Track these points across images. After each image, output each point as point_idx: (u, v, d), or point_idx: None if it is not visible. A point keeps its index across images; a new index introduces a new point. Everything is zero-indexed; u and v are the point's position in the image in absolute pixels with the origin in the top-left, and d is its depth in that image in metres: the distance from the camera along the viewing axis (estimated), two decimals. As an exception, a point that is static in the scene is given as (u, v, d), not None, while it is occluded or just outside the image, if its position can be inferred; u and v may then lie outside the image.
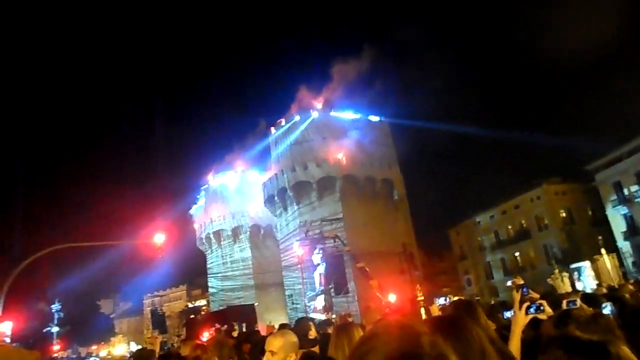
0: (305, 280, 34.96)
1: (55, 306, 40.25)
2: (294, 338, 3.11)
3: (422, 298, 17.21)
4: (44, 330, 38.48)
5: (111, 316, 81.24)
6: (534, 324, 3.06)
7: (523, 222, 52.76)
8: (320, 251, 34.78)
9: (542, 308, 2.89)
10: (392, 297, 27.38)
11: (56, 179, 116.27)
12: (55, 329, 38.55)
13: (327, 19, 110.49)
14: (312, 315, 27.47)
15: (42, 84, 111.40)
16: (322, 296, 33.65)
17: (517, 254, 53.37)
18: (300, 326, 5.83)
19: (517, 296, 2.98)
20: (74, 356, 43.06)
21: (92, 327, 57.11)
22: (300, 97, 44.16)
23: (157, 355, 7.02)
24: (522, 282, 3.36)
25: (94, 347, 57.92)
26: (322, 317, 23.60)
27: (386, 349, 0.94)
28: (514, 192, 53.35)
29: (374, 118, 43.89)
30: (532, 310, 2.89)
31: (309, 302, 34.40)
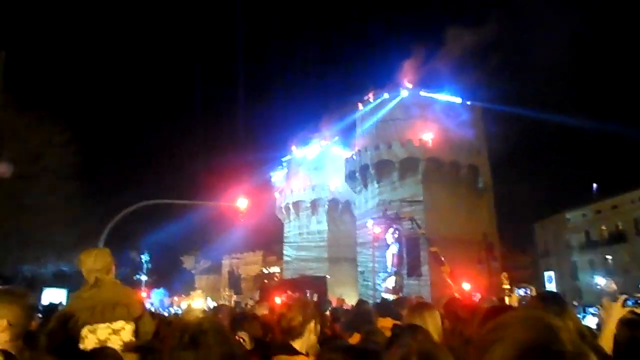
0: (378, 259, 34.98)
1: (145, 256, 43.60)
2: (311, 306, 3.14)
3: (508, 287, 16.59)
4: (134, 278, 41.81)
5: (192, 272, 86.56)
6: (630, 323, 2.84)
7: (619, 224, 48.95)
8: (396, 231, 34.58)
9: (640, 303, 2.67)
10: (466, 286, 26.73)
11: (151, 142, 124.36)
12: (144, 277, 41.85)
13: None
14: (384, 295, 27.52)
15: (142, 56, 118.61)
16: (393, 277, 33.59)
17: (608, 257, 49.78)
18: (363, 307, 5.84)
19: (607, 303, 2.73)
20: (157, 305, 46.53)
21: (174, 280, 61.21)
22: (392, 74, 43.40)
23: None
24: (615, 287, 3.08)
25: (175, 299, 62.19)
26: (391, 297, 23.59)
27: (519, 340, 0.85)
28: (613, 191, 49.47)
29: (466, 101, 42.16)
30: (629, 303, 2.67)
31: (381, 281, 34.47)
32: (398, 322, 4.25)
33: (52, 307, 7.96)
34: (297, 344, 2.88)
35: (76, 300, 3.34)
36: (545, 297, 3.43)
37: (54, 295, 20.43)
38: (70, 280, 26.50)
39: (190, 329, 1.68)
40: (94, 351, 2.85)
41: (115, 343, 3.11)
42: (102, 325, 3.14)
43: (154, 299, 41.46)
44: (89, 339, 3.10)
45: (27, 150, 20.53)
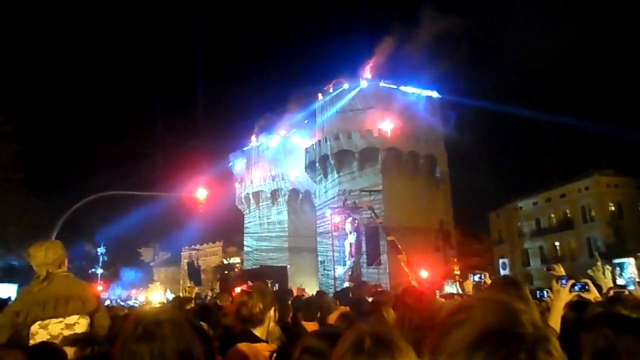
0: (338, 248, 35.30)
1: (101, 249, 42.33)
2: (270, 294, 3.15)
3: (458, 273, 17.16)
4: (90, 271, 40.60)
5: (151, 264, 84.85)
6: (576, 306, 2.99)
7: (568, 211, 51.18)
8: (354, 221, 34.93)
9: (587, 287, 2.80)
10: (423, 273, 27.40)
11: (107, 131, 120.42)
12: (99, 271, 40.63)
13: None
14: (346, 284, 27.83)
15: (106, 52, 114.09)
16: (351, 266, 34.02)
17: (557, 243, 52.07)
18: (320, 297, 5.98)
19: (556, 286, 2.88)
20: (114, 298, 45.41)
21: (132, 273, 59.83)
22: (353, 65, 43.48)
23: (193, 303, 7.32)
24: (562, 272, 3.24)
25: (133, 292, 60.88)
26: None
27: (482, 323, 0.85)
28: (562, 180, 51.63)
29: (424, 92, 42.82)
30: (576, 288, 2.80)
31: (341, 270, 34.83)
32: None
33: (1, 302, 7.63)
34: (258, 332, 2.89)
35: (26, 295, 3.22)
36: (505, 282, 3.55)
37: (3, 290, 19.59)
38: (20, 275, 25.48)
39: (145, 320, 1.63)
40: (33, 347, 2.71)
41: (69, 338, 3.02)
42: (54, 321, 3.05)
43: (110, 293, 40.48)
44: (40, 335, 3.00)
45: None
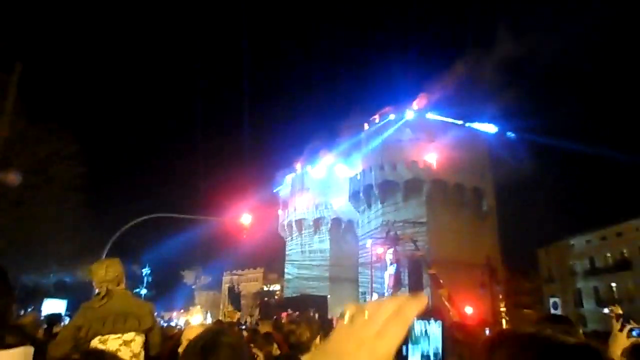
0: (380, 279, 34.77)
1: (146, 270, 43.44)
2: (317, 323, 3.19)
3: (504, 309, 16.50)
4: (134, 291, 41.60)
5: (192, 287, 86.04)
6: (636, 351, 2.83)
7: (624, 251, 48.56)
8: (395, 252, 34.40)
9: (648, 333, 2.65)
10: (468, 309, 26.44)
11: (157, 155, 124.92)
12: (144, 291, 41.64)
13: (438, 16, 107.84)
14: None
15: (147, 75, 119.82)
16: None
17: (613, 284, 49.28)
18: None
19: (617, 326, 2.75)
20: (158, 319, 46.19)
21: (174, 295, 60.85)
22: (399, 96, 43.67)
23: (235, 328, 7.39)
24: (620, 312, 3.08)
25: (174, 314, 61.76)
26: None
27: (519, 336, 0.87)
28: (618, 218, 49.20)
29: (471, 125, 42.33)
30: (634, 333, 2.66)
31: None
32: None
33: (55, 317, 7.96)
34: (305, 359, 2.92)
35: (88, 310, 3.36)
36: (555, 320, 3.41)
37: (54, 306, 20.35)
38: (70, 291, 26.43)
39: (205, 338, 1.69)
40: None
41: (126, 354, 3.13)
42: (113, 336, 3.16)
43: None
44: (99, 350, 3.12)
45: (35, 161, 20.70)
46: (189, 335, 2.61)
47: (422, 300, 0.58)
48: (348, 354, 0.54)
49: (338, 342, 0.57)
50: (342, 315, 0.57)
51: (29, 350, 1.65)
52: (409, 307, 0.57)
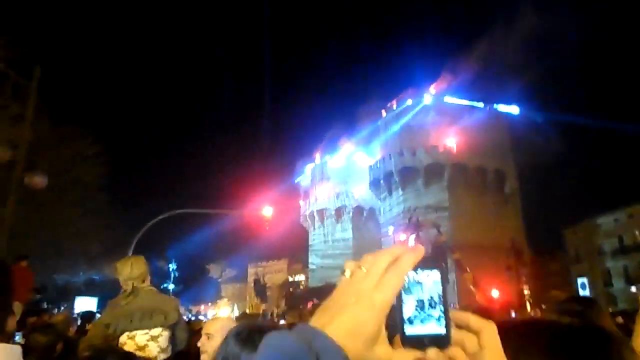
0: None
1: (172, 265, 44.15)
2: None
3: (528, 292, 16.32)
4: (162, 287, 42.32)
5: (218, 280, 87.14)
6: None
7: (654, 228, 47.49)
8: (418, 238, 34.18)
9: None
10: (495, 293, 26.22)
11: (178, 152, 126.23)
12: (171, 286, 42.34)
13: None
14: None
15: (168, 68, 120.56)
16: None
17: (643, 262, 48.28)
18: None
19: None
20: (184, 313, 47.02)
21: (201, 289, 61.74)
22: (416, 80, 43.18)
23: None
24: None
25: (202, 307, 62.72)
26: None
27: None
28: (646, 195, 48.02)
29: (491, 106, 41.67)
30: None
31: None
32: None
33: (88, 315, 8.17)
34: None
35: (115, 307, 3.44)
36: (581, 301, 3.33)
37: (85, 304, 20.89)
38: (99, 289, 27.04)
39: (250, 327, 1.73)
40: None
41: (153, 349, 3.20)
42: (140, 332, 3.23)
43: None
44: (128, 345, 3.19)
45: (59, 163, 21.11)
46: (208, 329, 2.63)
47: (418, 251, 0.60)
48: (348, 307, 0.57)
49: (339, 297, 0.60)
50: (343, 272, 0.61)
51: (14, 348, 1.47)
52: (405, 258, 0.59)
